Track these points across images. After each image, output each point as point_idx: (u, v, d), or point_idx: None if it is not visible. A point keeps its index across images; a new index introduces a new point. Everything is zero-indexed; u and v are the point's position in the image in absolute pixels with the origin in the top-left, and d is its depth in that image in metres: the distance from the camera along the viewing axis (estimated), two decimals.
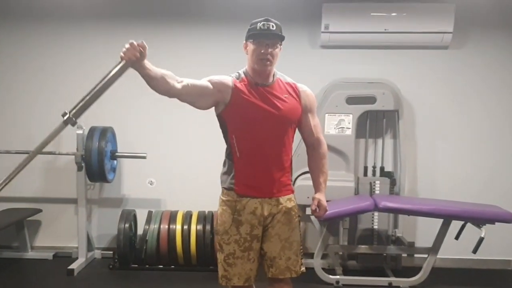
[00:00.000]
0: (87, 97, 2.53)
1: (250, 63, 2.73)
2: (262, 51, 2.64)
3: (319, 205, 2.87)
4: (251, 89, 2.71)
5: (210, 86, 2.69)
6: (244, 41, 2.74)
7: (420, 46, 5.04)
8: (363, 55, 5.12)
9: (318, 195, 2.89)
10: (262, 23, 2.64)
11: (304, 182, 4.38)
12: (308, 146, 2.95)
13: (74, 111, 2.52)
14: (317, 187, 2.93)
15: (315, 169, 2.94)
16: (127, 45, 2.50)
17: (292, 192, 2.90)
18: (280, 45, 2.70)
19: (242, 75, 2.76)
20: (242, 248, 2.78)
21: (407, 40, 4.97)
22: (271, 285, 2.90)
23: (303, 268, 2.90)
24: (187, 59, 5.23)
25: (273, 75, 2.78)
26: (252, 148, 2.73)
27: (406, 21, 4.90)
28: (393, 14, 4.91)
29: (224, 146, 2.84)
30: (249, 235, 2.77)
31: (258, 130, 2.70)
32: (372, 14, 4.92)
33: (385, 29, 4.89)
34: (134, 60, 2.51)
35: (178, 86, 2.66)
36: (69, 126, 4.73)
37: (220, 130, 2.83)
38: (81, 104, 2.52)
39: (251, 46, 2.68)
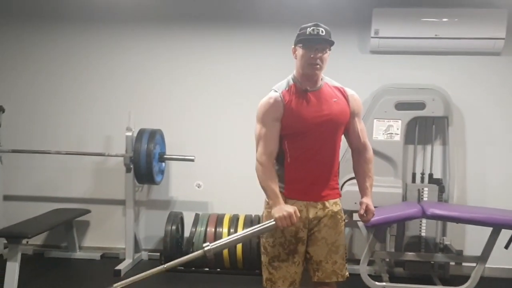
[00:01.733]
0: (230, 239, 2.74)
1: (299, 68, 2.73)
2: (312, 56, 2.64)
3: (366, 209, 2.83)
4: (300, 95, 2.71)
5: (276, 125, 2.72)
6: (293, 46, 2.74)
7: (471, 52, 4.98)
8: (413, 61, 5.09)
9: (365, 200, 2.85)
10: (312, 28, 2.64)
11: (352, 188, 4.35)
12: (354, 150, 2.92)
13: (215, 246, 2.69)
14: (363, 191, 2.89)
15: (361, 173, 2.90)
16: (283, 214, 2.57)
17: (339, 196, 2.89)
18: (329, 50, 2.70)
19: (291, 82, 2.76)
20: (287, 251, 2.77)
21: (458, 46, 4.91)
22: None
23: (347, 273, 2.89)
24: (235, 63, 5.32)
25: (321, 79, 2.78)
26: (302, 153, 2.73)
27: (457, 27, 4.85)
28: (444, 19, 4.87)
29: None
30: (294, 237, 2.76)
31: (309, 135, 2.71)
32: (422, 19, 4.88)
33: (436, 35, 4.85)
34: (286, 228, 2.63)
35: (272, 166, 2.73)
36: (120, 128, 4.88)
37: None
38: (222, 243, 2.72)
39: (300, 51, 2.68)
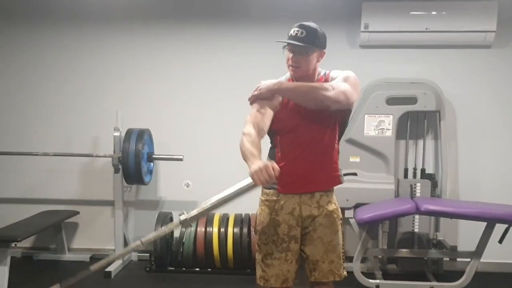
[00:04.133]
0: (208, 206, 2.55)
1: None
2: (289, 58, 2.66)
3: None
4: None
5: (269, 108, 2.68)
6: None
7: (462, 45, 4.94)
8: (404, 55, 5.04)
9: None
10: (293, 29, 2.65)
11: (343, 185, 4.31)
12: None
13: (191, 215, 2.57)
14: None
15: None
16: (258, 167, 2.29)
17: (340, 182, 2.79)
18: (314, 51, 2.64)
19: (287, 78, 2.78)
20: (279, 248, 2.74)
21: (449, 39, 4.87)
22: None
23: (345, 272, 2.83)
24: (224, 62, 5.27)
25: (317, 75, 2.74)
26: (293, 147, 2.70)
27: (447, 20, 4.80)
28: (434, 12, 4.82)
29: (263, 148, 2.76)
30: (287, 235, 2.73)
31: (300, 130, 2.68)
32: (412, 12, 4.84)
33: (426, 28, 4.80)
34: (265, 184, 2.37)
35: (259, 139, 2.57)
36: (107, 128, 4.81)
37: None
38: (199, 211, 2.57)
39: (285, 53, 2.71)
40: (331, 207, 2.78)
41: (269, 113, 2.67)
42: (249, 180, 2.41)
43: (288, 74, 2.78)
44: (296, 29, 2.63)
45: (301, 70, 2.66)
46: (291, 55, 2.65)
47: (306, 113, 2.66)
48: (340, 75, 2.71)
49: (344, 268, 2.83)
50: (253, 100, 2.70)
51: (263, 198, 2.81)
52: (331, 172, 2.76)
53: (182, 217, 2.56)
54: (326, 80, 2.74)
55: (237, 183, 2.48)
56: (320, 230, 2.74)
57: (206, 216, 2.49)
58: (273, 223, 2.73)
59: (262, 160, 2.38)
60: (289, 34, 2.64)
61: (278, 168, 2.34)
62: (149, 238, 2.70)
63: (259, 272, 2.82)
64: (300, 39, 2.61)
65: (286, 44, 2.65)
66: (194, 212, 2.57)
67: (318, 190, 2.74)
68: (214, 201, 2.54)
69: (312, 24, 2.67)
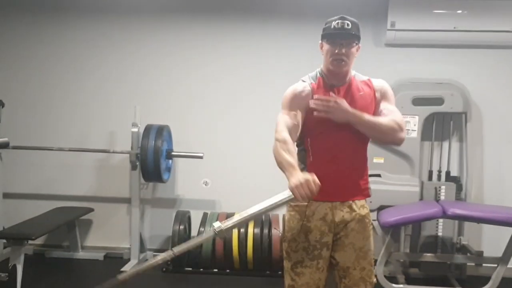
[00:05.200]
0: (243, 217, 2.42)
1: (325, 63, 2.60)
2: (336, 51, 2.50)
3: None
4: (327, 91, 2.58)
5: (300, 111, 2.56)
6: (320, 41, 2.61)
7: (490, 45, 4.86)
8: (431, 54, 4.95)
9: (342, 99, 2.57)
10: (337, 21, 2.52)
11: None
12: None
13: (227, 226, 2.42)
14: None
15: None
16: (299, 181, 2.24)
17: (368, 195, 2.72)
18: (357, 44, 2.56)
19: (318, 75, 2.64)
20: (310, 256, 2.62)
21: (477, 39, 4.79)
22: None
23: (375, 279, 2.74)
24: (246, 58, 5.19)
25: (349, 74, 2.63)
26: (326, 151, 2.58)
27: (476, 19, 4.72)
28: (461, 11, 4.75)
29: None
30: (319, 242, 2.61)
31: (332, 132, 2.55)
32: (440, 11, 4.76)
33: (454, 27, 4.71)
34: (305, 199, 2.30)
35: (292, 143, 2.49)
36: (125, 124, 4.72)
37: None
38: (236, 222, 2.43)
39: (325, 46, 2.56)
40: (364, 211, 2.67)
41: (300, 116, 2.55)
42: (288, 193, 2.32)
43: (318, 72, 2.65)
44: (340, 21, 2.52)
45: (346, 65, 2.54)
46: (337, 48, 2.50)
47: None
48: (390, 97, 2.66)
49: (375, 274, 2.74)
50: (318, 114, 2.51)
51: (292, 203, 2.65)
52: (363, 184, 2.68)
53: (217, 228, 2.42)
54: (369, 86, 2.65)
55: (274, 195, 2.35)
56: (352, 235, 2.63)
57: (241, 226, 2.38)
58: (304, 229, 2.61)
59: (302, 173, 2.30)
60: (333, 26, 2.52)
61: (319, 182, 2.26)
62: (182, 249, 2.59)
63: (287, 280, 2.70)
64: (348, 31, 2.51)
65: (333, 34, 2.51)
66: (229, 223, 2.43)
67: (349, 199, 2.63)
68: (251, 213, 2.41)
69: (350, 17, 2.57)
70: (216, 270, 4.81)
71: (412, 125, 4.73)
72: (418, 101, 4.73)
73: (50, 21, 5.23)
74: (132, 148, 4.80)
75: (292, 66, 4.93)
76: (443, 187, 4.78)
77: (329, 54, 2.53)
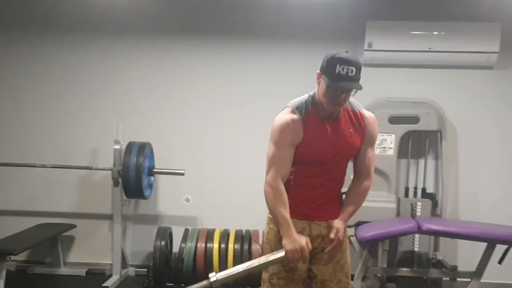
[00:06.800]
0: (237, 271, 2.60)
1: (321, 98, 2.54)
2: (337, 97, 2.48)
3: (336, 235, 2.70)
4: (319, 124, 2.60)
5: (291, 150, 2.61)
6: (318, 71, 2.53)
7: (465, 66, 4.98)
8: (407, 74, 5.07)
9: (338, 223, 2.70)
10: (342, 66, 2.42)
11: None
12: (356, 173, 2.80)
13: (222, 277, 2.57)
14: (343, 213, 2.74)
15: (352, 197, 2.77)
16: (295, 247, 2.52)
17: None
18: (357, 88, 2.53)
19: (310, 107, 2.61)
20: (286, 268, 2.70)
21: (452, 59, 4.90)
22: None
23: None
24: (226, 76, 5.25)
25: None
26: (308, 181, 2.66)
27: (451, 40, 4.84)
28: (438, 33, 4.85)
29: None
30: None
31: (320, 165, 2.63)
32: (416, 32, 4.87)
33: (429, 48, 4.83)
34: (297, 262, 2.55)
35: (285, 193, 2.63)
36: (107, 141, 4.76)
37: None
38: (230, 274, 2.60)
39: (324, 85, 2.49)
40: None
41: (292, 152, 2.60)
42: (281, 253, 2.54)
43: (310, 101, 2.61)
44: (346, 66, 2.42)
45: (343, 105, 2.58)
46: (338, 96, 2.47)
47: (326, 150, 2.61)
48: (375, 139, 2.76)
49: (352, 287, 2.83)
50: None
51: (271, 217, 2.75)
52: (338, 208, 2.77)
53: (212, 278, 2.55)
54: (360, 121, 2.66)
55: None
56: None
57: (235, 280, 2.55)
58: (281, 242, 2.66)
59: (297, 236, 2.53)
60: (337, 71, 2.42)
61: (311, 246, 2.54)
62: None
63: None
64: (354, 78, 2.45)
65: (337, 80, 2.43)
66: (223, 275, 2.58)
67: (327, 220, 2.73)
68: (245, 267, 2.58)
69: (354, 57, 2.49)
70: None
71: (388, 143, 4.83)
72: (394, 120, 4.83)
73: (33, 39, 5.26)
74: (114, 165, 4.84)
75: (276, 85, 5.06)
76: (419, 203, 4.88)
77: (327, 95, 2.49)
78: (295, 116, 2.58)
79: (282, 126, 2.58)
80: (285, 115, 2.60)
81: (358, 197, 2.77)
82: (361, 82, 5.00)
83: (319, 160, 2.61)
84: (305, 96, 2.66)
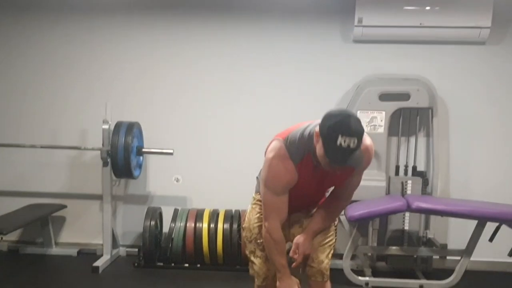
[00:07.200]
0: None
1: (318, 157, 2.36)
2: (334, 169, 2.37)
3: (299, 250, 2.71)
4: (310, 167, 2.51)
5: (287, 193, 2.58)
6: (318, 132, 2.34)
7: (456, 41, 4.88)
8: (398, 50, 4.98)
9: (301, 238, 2.71)
10: (344, 138, 2.22)
11: None
12: (334, 192, 2.77)
13: None
14: (309, 229, 2.73)
15: (323, 213, 2.75)
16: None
17: None
18: None
19: (306, 152, 2.48)
20: (261, 247, 2.76)
21: (443, 35, 4.80)
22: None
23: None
24: (216, 55, 5.18)
25: None
26: (295, 198, 2.63)
27: (442, 15, 4.73)
28: (428, 7, 4.74)
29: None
30: None
31: (306, 191, 2.65)
32: (406, 7, 4.76)
33: (420, 23, 4.72)
34: None
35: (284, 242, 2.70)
36: (96, 121, 4.72)
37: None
38: None
39: (322, 149, 2.31)
40: None
41: (287, 196, 2.58)
42: None
43: (301, 147, 2.47)
44: (348, 138, 2.22)
45: None
46: (335, 169, 2.37)
47: (311, 187, 2.63)
48: (367, 166, 2.61)
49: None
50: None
51: (256, 198, 2.80)
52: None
53: None
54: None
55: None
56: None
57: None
58: (259, 220, 2.74)
59: (291, 279, 2.65)
60: (339, 143, 2.22)
61: None
62: None
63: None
64: (355, 150, 2.26)
65: (336, 153, 2.27)
66: None
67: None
68: None
69: (356, 123, 2.28)
70: (187, 265, 4.86)
71: (379, 121, 4.77)
72: (384, 97, 4.75)
73: (20, 19, 5.20)
74: (103, 145, 4.81)
75: (266, 62, 5.04)
76: (409, 181, 4.84)
77: (324, 162, 2.35)
78: (290, 164, 2.48)
79: (279, 175, 2.51)
80: (281, 163, 2.49)
81: (331, 215, 2.79)
82: (350, 57, 5.02)
83: (302, 194, 2.63)
84: (303, 138, 2.48)
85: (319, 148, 2.32)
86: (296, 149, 2.47)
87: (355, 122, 2.26)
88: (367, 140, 2.50)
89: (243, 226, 2.88)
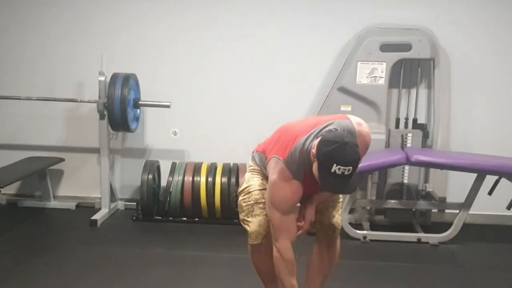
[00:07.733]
0: None
1: (314, 174, 2.37)
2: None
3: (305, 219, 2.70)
4: (308, 176, 2.46)
5: (295, 213, 2.62)
6: (314, 150, 2.32)
7: None
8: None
9: (306, 206, 2.72)
10: (339, 167, 2.21)
11: None
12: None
13: None
14: (314, 199, 2.68)
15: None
16: None
17: None
18: None
19: (307, 167, 2.46)
20: (261, 205, 2.68)
21: None
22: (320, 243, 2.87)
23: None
24: (215, 6, 5.06)
25: None
26: None
27: None
28: None
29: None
30: None
31: (309, 192, 2.62)
32: None
33: None
34: None
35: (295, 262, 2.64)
36: (93, 73, 4.63)
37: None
38: None
39: (316, 171, 2.32)
40: None
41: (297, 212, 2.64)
42: None
43: (307, 157, 2.40)
44: (343, 167, 2.20)
45: None
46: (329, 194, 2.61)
47: (305, 193, 2.57)
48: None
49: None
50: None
51: (257, 168, 2.75)
52: None
53: None
54: None
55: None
56: None
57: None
58: (262, 186, 2.68)
59: None
60: (333, 170, 2.21)
61: None
62: None
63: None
64: (349, 176, 2.24)
65: (332, 180, 2.27)
66: None
67: None
68: None
69: (354, 151, 2.23)
70: (185, 219, 4.86)
71: (379, 72, 4.68)
72: (385, 47, 4.66)
73: None
74: (99, 97, 4.73)
75: (267, 15, 4.94)
76: (409, 134, 4.79)
77: (318, 181, 2.35)
78: (295, 183, 2.47)
79: (285, 197, 2.49)
80: (287, 184, 2.47)
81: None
82: (351, 6, 4.88)
83: (305, 193, 2.59)
84: (303, 153, 2.43)
85: (314, 168, 2.33)
86: (297, 166, 2.45)
87: (351, 150, 2.22)
88: (365, 128, 2.53)
89: (240, 189, 2.80)
